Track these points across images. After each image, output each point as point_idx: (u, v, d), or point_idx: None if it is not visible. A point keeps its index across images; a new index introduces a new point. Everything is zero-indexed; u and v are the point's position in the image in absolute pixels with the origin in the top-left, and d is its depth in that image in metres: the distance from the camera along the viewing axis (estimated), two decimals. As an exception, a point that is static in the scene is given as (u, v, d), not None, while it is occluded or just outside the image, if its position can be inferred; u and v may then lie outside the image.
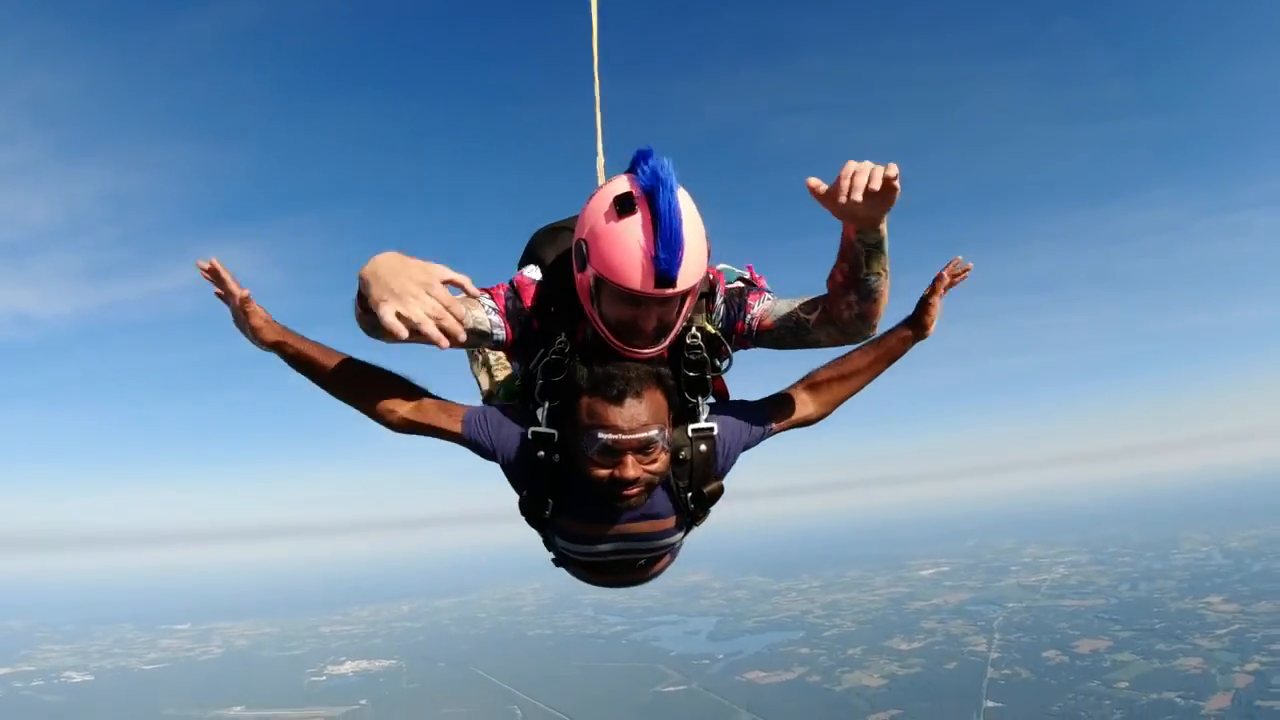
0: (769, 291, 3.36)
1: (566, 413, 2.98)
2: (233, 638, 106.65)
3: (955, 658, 65.79)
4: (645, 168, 2.73)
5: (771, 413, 3.43)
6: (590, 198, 2.94)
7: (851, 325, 3.05)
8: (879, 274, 2.88)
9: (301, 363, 3.08)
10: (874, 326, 3.07)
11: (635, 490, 2.88)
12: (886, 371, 3.53)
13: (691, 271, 2.80)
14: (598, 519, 3.17)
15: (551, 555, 3.59)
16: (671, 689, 66.52)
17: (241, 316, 2.99)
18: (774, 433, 3.46)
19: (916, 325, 3.42)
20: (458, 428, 3.18)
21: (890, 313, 3.17)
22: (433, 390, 3.27)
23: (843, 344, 3.24)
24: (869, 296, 2.94)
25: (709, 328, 3.25)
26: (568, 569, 3.66)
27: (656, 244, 2.69)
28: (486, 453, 3.20)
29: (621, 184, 2.81)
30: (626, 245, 2.72)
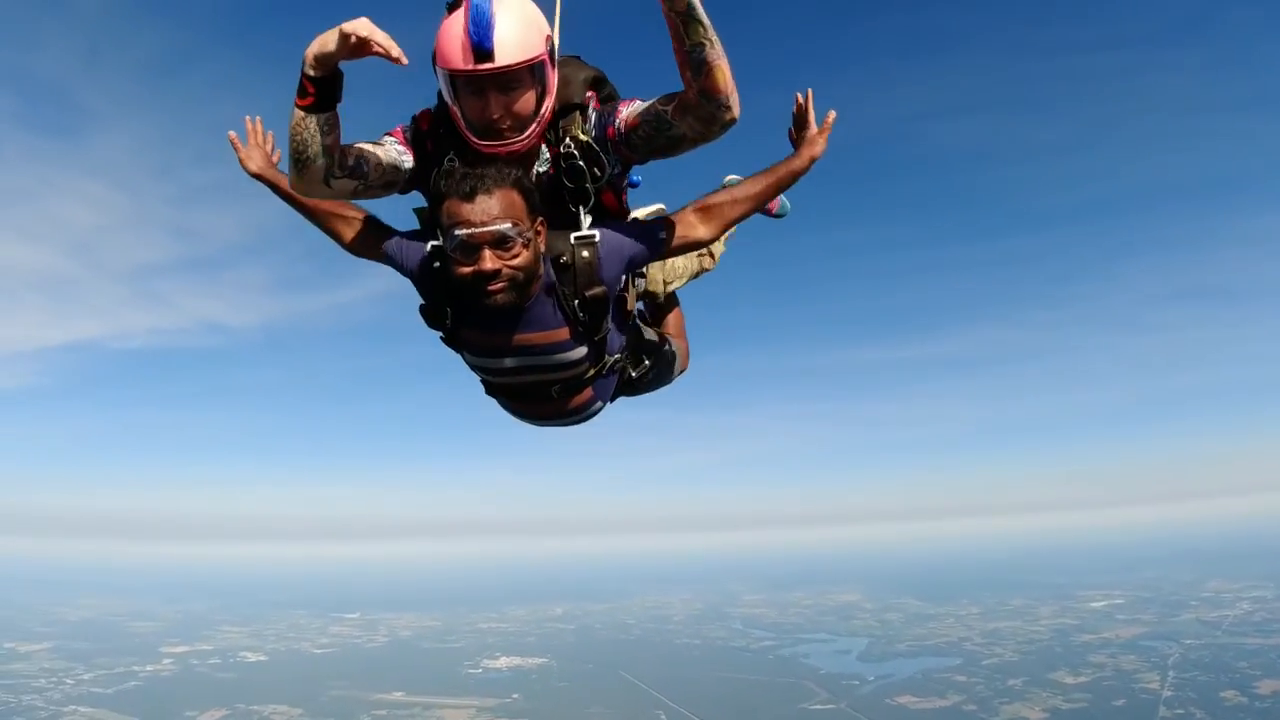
0: (640, 99, 3.45)
1: (437, 217, 3.22)
2: (397, 628, 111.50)
3: (1125, 695, 62.12)
4: None
5: (659, 229, 3.58)
6: None
7: (701, 107, 3.11)
8: (702, 44, 2.94)
9: (282, 195, 3.76)
10: (723, 103, 3.09)
11: (499, 285, 3.08)
12: (777, 193, 3.73)
13: (511, 48, 3.03)
14: (490, 328, 3.36)
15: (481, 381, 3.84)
16: (819, 707, 65.39)
17: (236, 146, 3.88)
18: (664, 250, 3.61)
19: (800, 152, 3.65)
20: (381, 248, 3.57)
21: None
22: (385, 221, 3.74)
23: (705, 135, 3.25)
24: (700, 69, 2.99)
25: (582, 136, 3.41)
26: (495, 398, 3.87)
27: (468, 23, 2.97)
28: (400, 269, 3.52)
29: None
30: (451, 34, 3.06)
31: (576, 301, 3.36)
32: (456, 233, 3.01)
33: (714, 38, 2.94)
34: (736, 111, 3.13)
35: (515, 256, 3.06)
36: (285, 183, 3.58)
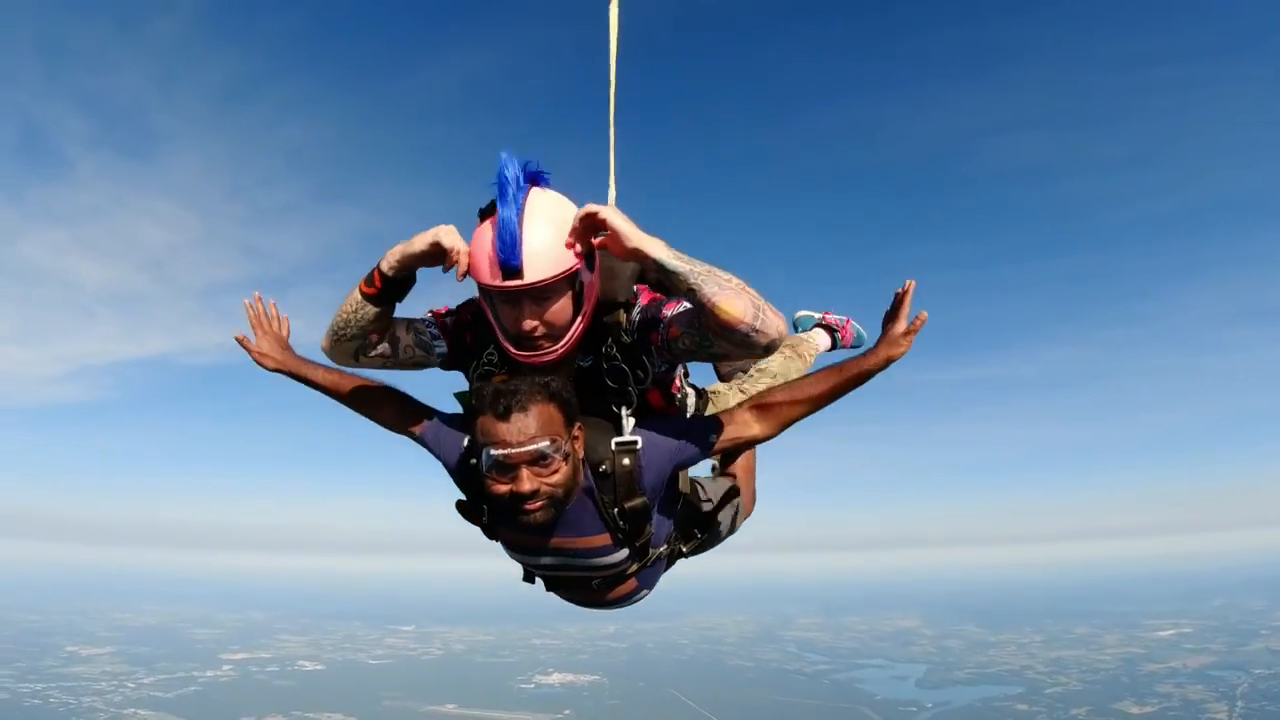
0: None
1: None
2: (451, 641, 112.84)
3: (1193, 726, 60.20)
4: (499, 170, 2.90)
5: (709, 431, 3.35)
6: None
7: (723, 335, 2.95)
8: (691, 291, 2.85)
9: (307, 383, 3.71)
10: (743, 335, 2.92)
11: (536, 505, 2.91)
12: (858, 392, 3.35)
13: (542, 264, 2.89)
14: (527, 530, 3.18)
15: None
16: (874, 732, 64.53)
17: (246, 346, 3.76)
18: (714, 451, 3.39)
19: (888, 359, 3.25)
20: (420, 433, 3.47)
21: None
22: (415, 397, 3.63)
23: (749, 355, 3.11)
24: (701, 310, 2.91)
25: (625, 338, 3.29)
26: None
27: (495, 239, 2.87)
28: (434, 455, 3.42)
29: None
30: (480, 248, 2.96)
31: (615, 510, 3.21)
32: (492, 452, 2.87)
33: (699, 282, 2.84)
34: (772, 332, 2.94)
35: (554, 473, 2.92)
36: (308, 371, 3.69)
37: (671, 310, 3.22)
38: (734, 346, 2.99)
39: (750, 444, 3.52)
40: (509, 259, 2.86)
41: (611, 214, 2.85)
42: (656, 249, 2.83)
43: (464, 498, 3.37)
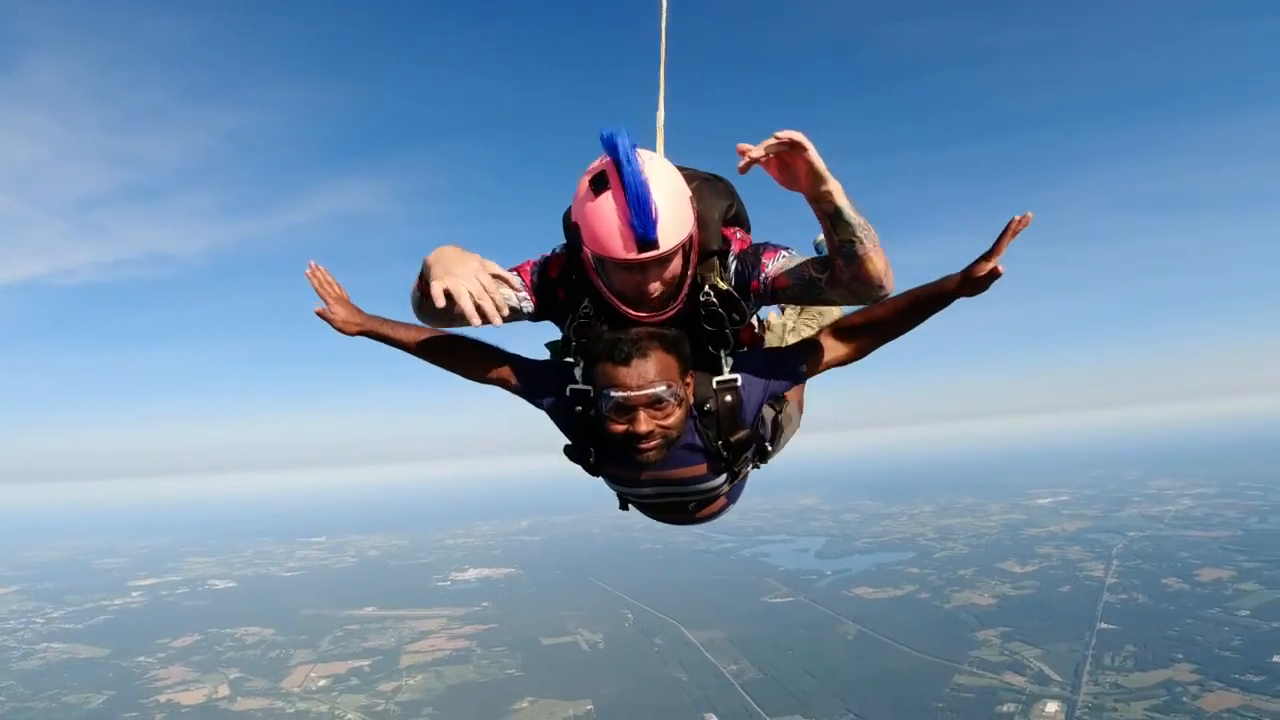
0: (786, 249, 3.29)
1: (590, 376, 3.20)
2: (365, 549, 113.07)
3: (1070, 582, 65.12)
4: (607, 145, 2.82)
5: (799, 360, 3.45)
6: (579, 182, 3.04)
7: (853, 287, 2.98)
8: (852, 241, 2.81)
9: (395, 345, 3.60)
10: (876, 289, 2.97)
11: (651, 444, 3.05)
12: (936, 317, 3.26)
13: (672, 232, 2.90)
14: (631, 465, 3.26)
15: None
16: (779, 600, 67.94)
17: (329, 318, 3.50)
18: (804, 377, 3.51)
19: (965, 279, 3.07)
20: (516, 382, 3.54)
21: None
22: (503, 347, 3.63)
23: (855, 304, 3.25)
24: (851, 261, 2.88)
25: (721, 284, 3.28)
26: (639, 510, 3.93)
27: (629, 213, 2.81)
28: (531, 401, 3.54)
29: (597, 165, 2.92)
30: (605, 220, 2.86)
31: (720, 443, 3.34)
32: (612, 394, 2.99)
33: (864, 234, 2.82)
34: (891, 288, 3.01)
35: (668, 416, 3.04)
36: (390, 330, 3.58)
37: (772, 260, 3.24)
38: (856, 298, 3.08)
39: (837, 366, 3.50)
40: (647, 233, 2.84)
41: (812, 146, 2.62)
42: (840, 194, 2.74)
43: (568, 441, 3.51)
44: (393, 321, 3.58)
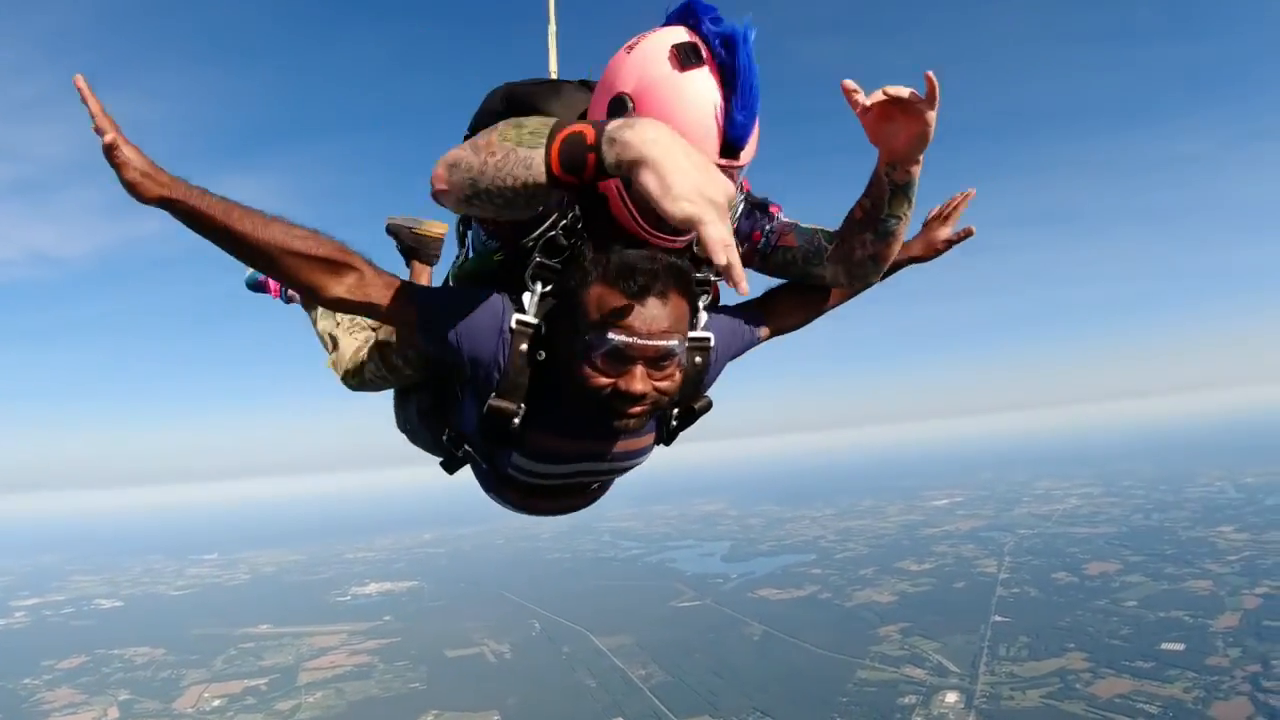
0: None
1: (565, 304, 2.36)
2: (259, 565, 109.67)
3: (965, 578, 66.94)
4: (711, 16, 2.25)
5: (760, 321, 3.01)
6: (626, 50, 2.35)
7: (861, 266, 2.76)
8: (899, 218, 2.60)
9: (201, 224, 2.17)
10: (880, 270, 2.81)
11: (640, 409, 2.30)
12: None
13: (752, 146, 2.33)
14: (578, 434, 2.59)
15: (481, 480, 3.00)
16: (686, 604, 68.31)
17: (112, 163, 2.04)
18: (761, 341, 3.05)
19: (928, 245, 3.16)
20: (411, 312, 2.46)
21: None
22: (374, 259, 2.45)
23: (845, 285, 2.95)
24: (884, 238, 2.66)
25: None
26: (498, 496, 3.01)
27: (734, 102, 2.20)
28: (443, 347, 2.48)
29: (675, 34, 2.28)
30: (695, 101, 2.19)
31: (676, 410, 2.76)
32: (612, 337, 2.18)
33: (910, 213, 2.62)
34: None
35: (667, 378, 2.31)
36: (212, 207, 2.15)
37: (780, 213, 2.88)
38: (851, 279, 2.85)
39: (789, 331, 3.20)
40: (741, 137, 2.25)
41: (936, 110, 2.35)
42: (920, 167, 2.49)
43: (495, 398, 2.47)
44: (218, 196, 2.16)
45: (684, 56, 2.20)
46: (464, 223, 2.98)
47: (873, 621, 57.33)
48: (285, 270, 2.28)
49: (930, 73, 2.26)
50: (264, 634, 67.51)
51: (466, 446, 2.79)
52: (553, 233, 2.41)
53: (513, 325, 2.41)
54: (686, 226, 1.76)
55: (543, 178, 1.91)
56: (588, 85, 2.73)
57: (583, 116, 2.54)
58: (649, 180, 1.77)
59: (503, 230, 2.51)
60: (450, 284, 3.04)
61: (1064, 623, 52.71)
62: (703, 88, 2.18)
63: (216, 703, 51.46)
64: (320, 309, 3.84)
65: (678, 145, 1.83)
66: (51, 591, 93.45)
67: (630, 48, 2.32)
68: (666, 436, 2.87)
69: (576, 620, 63.99)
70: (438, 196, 2.20)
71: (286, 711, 49.69)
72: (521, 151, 1.93)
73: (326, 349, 3.74)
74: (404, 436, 3.43)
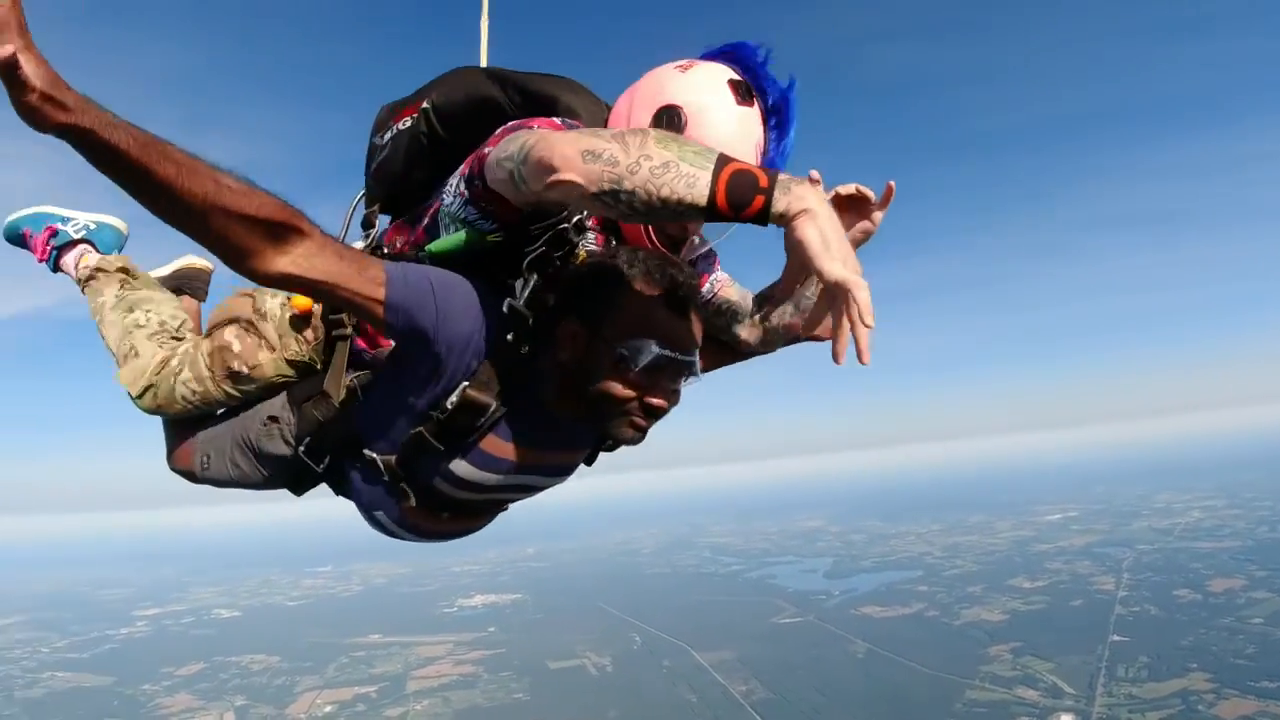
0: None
1: (582, 304, 2.25)
2: (371, 577, 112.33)
3: (1081, 596, 64.53)
4: (764, 70, 2.43)
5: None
6: (678, 69, 2.48)
7: (773, 333, 2.96)
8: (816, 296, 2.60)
9: (111, 163, 1.60)
10: (785, 342, 3.01)
11: (650, 425, 2.28)
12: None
13: None
14: (539, 443, 2.47)
15: (362, 493, 2.72)
16: (788, 620, 67.48)
17: (7, 82, 1.43)
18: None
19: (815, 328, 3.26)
20: (378, 287, 2.09)
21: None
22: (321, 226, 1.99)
23: (753, 348, 3.06)
24: (802, 313, 2.87)
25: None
26: (386, 512, 2.70)
27: (773, 147, 2.41)
28: (413, 329, 2.18)
29: (721, 70, 2.45)
30: (745, 134, 2.37)
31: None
32: (658, 350, 2.12)
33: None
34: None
35: (678, 394, 2.28)
36: (123, 137, 1.57)
37: (719, 266, 3.01)
38: (762, 344, 3.05)
39: (716, 369, 3.27)
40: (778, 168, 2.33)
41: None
42: None
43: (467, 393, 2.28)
44: (137, 128, 1.59)
45: (742, 92, 2.39)
46: (393, 202, 2.81)
47: (983, 641, 55.75)
48: (213, 232, 1.79)
49: (892, 182, 2.53)
50: (374, 643, 69.19)
51: (348, 456, 2.63)
52: (565, 226, 2.35)
53: (504, 310, 2.25)
54: (838, 288, 1.73)
55: (703, 201, 1.82)
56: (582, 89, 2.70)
57: (601, 121, 2.58)
58: (811, 236, 1.75)
59: (505, 213, 2.28)
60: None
61: (1186, 642, 50.37)
62: (752, 124, 2.39)
63: (328, 709, 52.99)
64: (112, 300, 3.35)
65: (833, 212, 1.84)
66: (172, 602, 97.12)
67: (683, 68, 2.47)
68: (592, 456, 2.82)
69: (677, 635, 63.88)
70: (548, 181, 1.96)
71: (395, 718, 50.95)
72: (684, 167, 1.83)
73: (115, 357, 3.17)
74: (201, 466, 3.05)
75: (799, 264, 1.85)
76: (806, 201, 1.77)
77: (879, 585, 77.97)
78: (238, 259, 1.85)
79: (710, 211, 1.83)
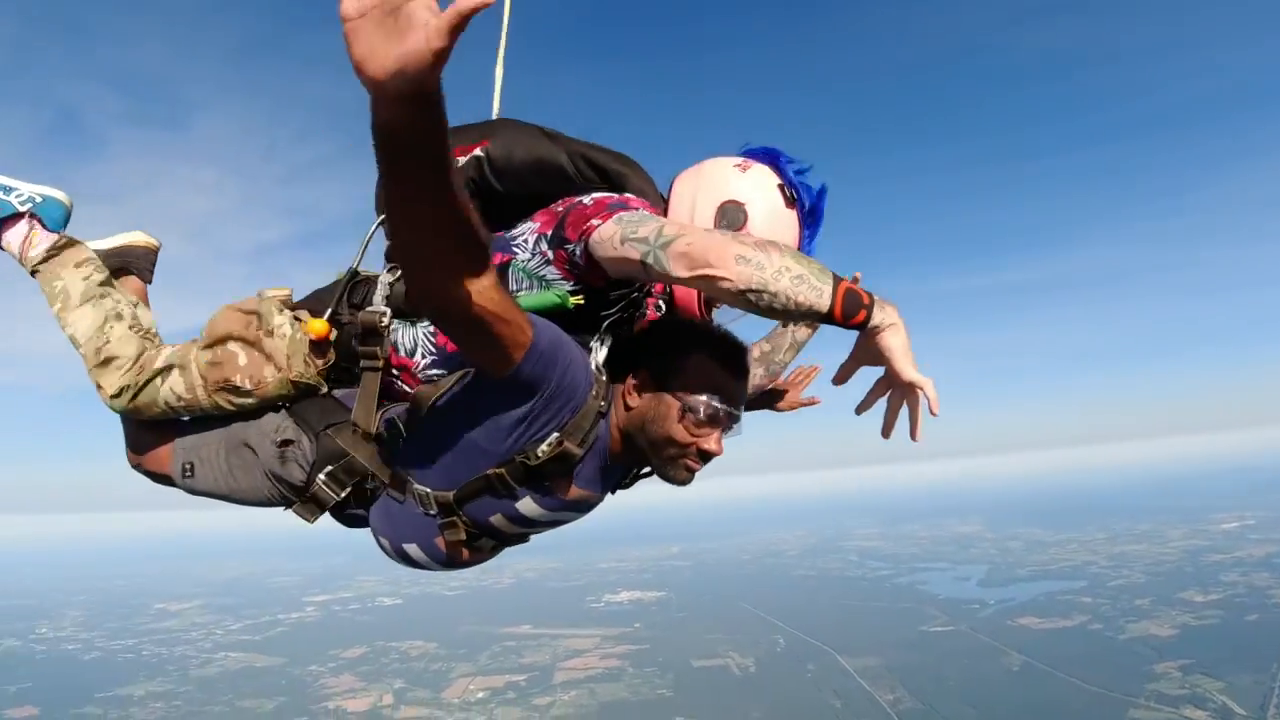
0: None
1: (663, 361, 2.53)
2: (522, 570, 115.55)
3: (1258, 610, 60.55)
4: (802, 179, 2.80)
5: None
6: (738, 168, 2.80)
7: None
8: (786, 363, 3.41)
9: (427, 148, 1.48)
10: (752, 397, 3.38)
11: (701, 467, 2.59)
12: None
13: None
14: (590, 483, 2.67)
15: (395, 530, 2.91)
16: (938, 629, 65.90)
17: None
18: None
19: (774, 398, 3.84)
20: (526, 333, 2.15)
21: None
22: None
23: None
24: (771, 378, 3.42)
25: None
26: (421, 549, 2.88)
27: (806, 243, 2.83)
28: (542, 376, 2.28)
29: (771, 175, 2.80)
30: (792, 236, 2.77)
31: (637, 469, 2.92)
32: (718, 404, 2.46)
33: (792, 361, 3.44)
34: None
35: (722, 443, 2.58)
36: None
37: None
38: None
39: None
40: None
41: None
42: None
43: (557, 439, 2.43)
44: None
45: (790, 197, 2.76)
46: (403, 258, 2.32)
47: (1149, 657, 52.93)
48: (436, 246, 1.74)
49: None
50: (525, 634, 71.61)
51: (375, 486, 2.79)
52: (637, 294, 2.74)
53: (593, 369, 2.50)
54: (914, 386, 2.29)
55: (824, 310, 2.24)
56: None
57: (662, 203, 2.85)
58: (895, 344, 2.26)
59: (594, 279, 2.52)
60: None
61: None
62: (794, 224, 2.77)
63: (481, 695, 55.37)
64: (79, 286, 3.10)
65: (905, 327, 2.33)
66: (339, 590, 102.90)
67: (742, 168, 2.81)
68: (613, 491, 2.97)
69: (822, 638, 63.37)
70: (698, 272, 2.23)
71: (543, 707, 52.71)
72: (814, 281, 2.23)
73: (83, 351, 2.99)
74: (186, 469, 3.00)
75: (871, 359, 2.40)
76: (893, 318, 2.28)
77: (1037, 595, 75.01)
78: (442, 278, 1.83)
79: (827, 317, 2.27)
